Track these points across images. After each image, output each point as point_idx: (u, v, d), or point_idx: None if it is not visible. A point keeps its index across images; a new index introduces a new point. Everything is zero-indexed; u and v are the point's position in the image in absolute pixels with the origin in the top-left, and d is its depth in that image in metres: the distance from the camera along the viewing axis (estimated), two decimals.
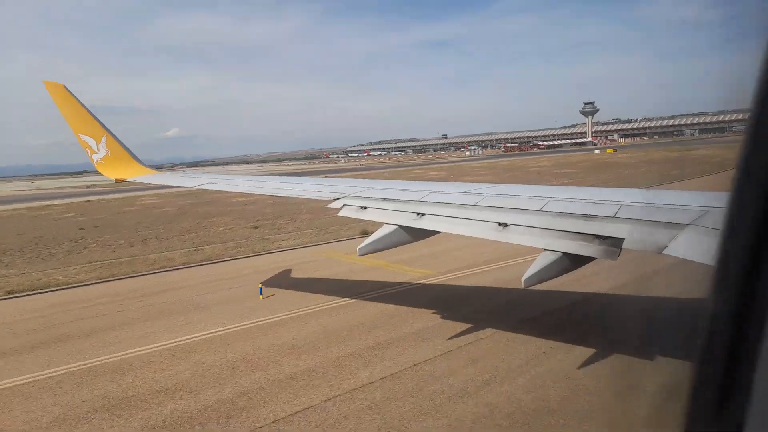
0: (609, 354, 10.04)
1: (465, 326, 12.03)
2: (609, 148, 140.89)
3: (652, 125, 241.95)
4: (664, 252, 6.68)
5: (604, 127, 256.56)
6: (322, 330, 12.65)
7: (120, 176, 16.15)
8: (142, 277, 20.10)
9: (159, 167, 25.56)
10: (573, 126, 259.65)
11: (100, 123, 16.18)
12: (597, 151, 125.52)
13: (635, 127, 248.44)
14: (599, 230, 7.73)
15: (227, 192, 16.65)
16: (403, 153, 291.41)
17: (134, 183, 16.73)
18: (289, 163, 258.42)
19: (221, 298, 16.04)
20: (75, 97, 15.75)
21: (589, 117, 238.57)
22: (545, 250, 8.23)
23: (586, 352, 10.11)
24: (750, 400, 1.26)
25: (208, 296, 16.41)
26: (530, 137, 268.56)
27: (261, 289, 15.94)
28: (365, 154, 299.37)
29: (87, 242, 30.33)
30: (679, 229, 6.81)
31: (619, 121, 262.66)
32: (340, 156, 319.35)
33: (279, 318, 13.78)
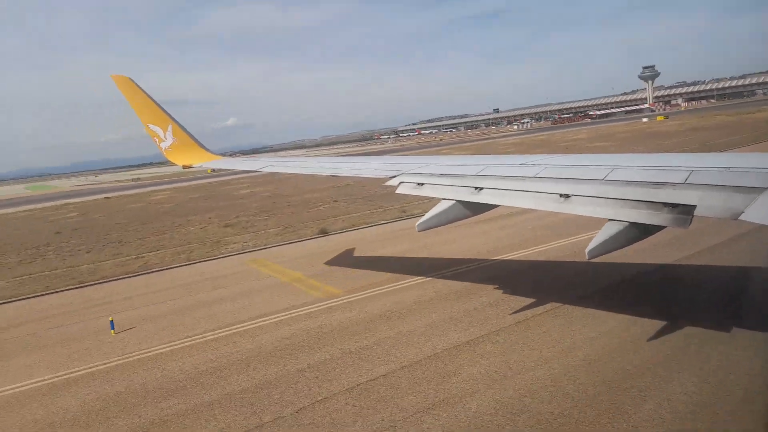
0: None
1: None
2: (660, 115, 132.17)
3: (720, 87, 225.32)
4: (741, 218, 6.39)
5: (668, 92, 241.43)
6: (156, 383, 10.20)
7: (187, 162, 16.95)
8: (38, 297, 18.61)
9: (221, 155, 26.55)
10: (634, 92, 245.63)
11: (166, 112, 16.98)
12: (645, 120, 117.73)
13: (701, 89, 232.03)
14: (669, 197, 7.44)
15: (282, 174, 17.02)
16: (454, 130, 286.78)
17: (200, 169, 17.51)
18: (342, 146, 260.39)
19: (68, 334, 14.04)
20: (141, 88, 16.57)
21: (649, 82, 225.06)
22: (610, 220, 8.03)
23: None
24: None
25: (62, 330, 14.47)
26: (585, 107, 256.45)
27: (112, 323, 13.73)
28: (416, 133, 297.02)
29: (49, 249, 29.51)
30: (757, 194, 6.48)
31: (684, 84, 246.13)
32: (391, 136, 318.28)
33: (123, 361, 11.64)
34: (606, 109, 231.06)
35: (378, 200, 33.44)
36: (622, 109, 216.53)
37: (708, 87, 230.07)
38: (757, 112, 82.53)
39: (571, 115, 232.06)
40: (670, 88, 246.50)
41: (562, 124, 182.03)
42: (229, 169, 18.73)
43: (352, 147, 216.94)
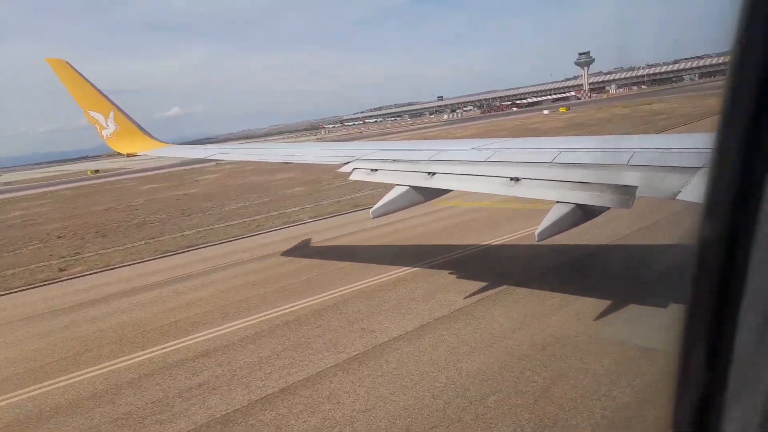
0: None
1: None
2: (563, 106, 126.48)
3: (651, 72, 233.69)
4: (678, 197, 6.69)
5: (604, 77, 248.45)
6: None
7: (131, 150, 16.27)
8: None
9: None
10: (576, 77, 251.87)
11: (106, 97, 16.20)
12: (546, 112, 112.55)
13: (635, 75, 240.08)
14: (612, 179, 7.72)
15: (230, 162, 16.61)
16: (398, 119, 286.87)
17: (145, 158, 16.85)
18: (288, 135, 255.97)
19: None
20: (78, 72, 15.73)
21: (585, 68, 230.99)
22: (557, 202, 8.26)
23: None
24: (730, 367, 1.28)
25: None
26: (525, 93, 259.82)
27: None
28: (361, 122, 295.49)
29: None
30: (692, 173, 6.79)
31: (622, 70, 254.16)
32: (336, 125, 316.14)
33: None
34: (540, 96, 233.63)
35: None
36: (550, 97, 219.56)
37: (641, 73, 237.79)
38: (661, 101, 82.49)
39: (508, 103, 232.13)
40: (608, 73, 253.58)
41: (488, 113, 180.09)
42: (176, 157, 18.12)
43: (294, 137, 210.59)
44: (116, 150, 16.46)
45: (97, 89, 15.96)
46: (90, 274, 17.56)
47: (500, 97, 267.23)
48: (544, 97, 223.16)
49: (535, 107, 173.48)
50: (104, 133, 16.17)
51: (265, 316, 11.38)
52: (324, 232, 19.34)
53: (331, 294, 12.17)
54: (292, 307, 11.70)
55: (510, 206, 18.59)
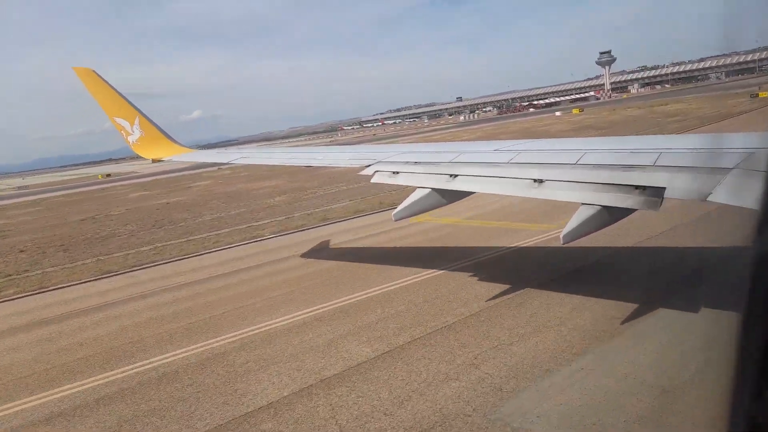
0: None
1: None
2: (575, 108, 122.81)
3: (676, 71, 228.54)
4: (708, 199, 6.54)
5: (626, 77, 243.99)
6: None
7: (156, 155, 16.56)
8: None
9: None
10: (599, 77, 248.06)
11: (132, 104, 16.50)
12: (558, 113, 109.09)
13: (659, 74, 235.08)
14: (639, 180, 7.58)
15: (236, 166, 16.73)
16: (417, 120, 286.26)
17: (169, 162, 17.12)
18: (308, 137, 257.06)
19: None
20: (104, 80, 16.05)
21: (606, 68, 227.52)
22: (583, 204, 8.14)
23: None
24: None
25: None
26: (545, 93, 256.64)
27: None
28: (380, 124, 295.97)
29: None
30: (724, 174, 6.63)
31: (645, 69, 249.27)
32: (355, 127, 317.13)
33: None
34: (559, 96, 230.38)
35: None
36: (569, 97, 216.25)
37: (665, 72, 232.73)
38: (679, 102, 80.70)
39: (519, 104, 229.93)
40: (631, 72, 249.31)
41: (505, 114, 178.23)
42: (200, 162, 18.34)
43: (311, 139, 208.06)
44: (141, 155, 16.77)
45: (123, 96, 16.28)
46: (15, 298, 17.01)
47: (519, 98, 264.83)
48: (563, 98, 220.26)
49: (554, 107, 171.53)
50: (130, 138, 16.48)
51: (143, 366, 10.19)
52: (273, 252, 18.52)
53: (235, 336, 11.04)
54: (175, 356, 10.48)
55: (479, 223, 18.19)
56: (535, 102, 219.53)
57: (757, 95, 66.30)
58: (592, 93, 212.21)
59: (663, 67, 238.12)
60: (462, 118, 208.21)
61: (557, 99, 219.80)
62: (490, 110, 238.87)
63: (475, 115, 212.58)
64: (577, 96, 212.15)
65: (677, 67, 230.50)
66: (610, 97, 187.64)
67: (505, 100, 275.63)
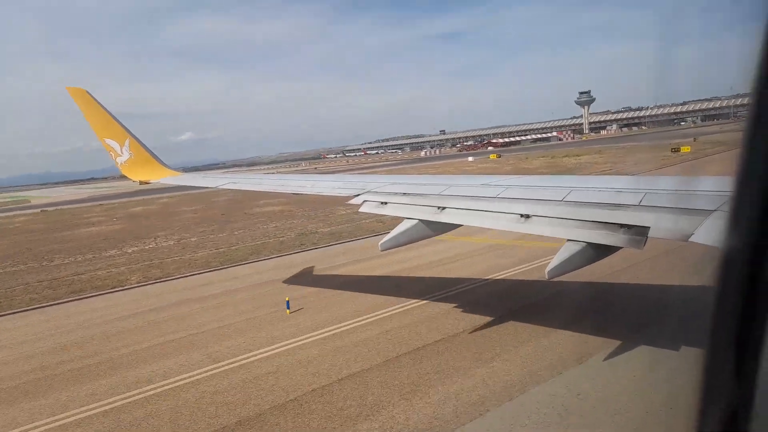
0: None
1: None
2: (493, 153, 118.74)
3: (654, 113, 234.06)
4: (690, 239, 6.66)
5: (603, 117, 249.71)
6: None
7: (144, 178, 16.47)
8: None
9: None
10: (578, 117, 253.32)
11: (123, 126, 16.50)
12: (471, 159, 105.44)
13: (636, 116, 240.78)
14: (624, 219, 7.70)
15: (244, 191, 16.61)
16: (399, 151, 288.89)
17: (157, 185, 17.03)
18: (290, 163, 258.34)
19: None
20: (97, 101, 16.08)
21: (585, 107, 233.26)
22: (568, 240, 8.23)
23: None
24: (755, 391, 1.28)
25: None
26: (521, 131, 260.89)
27: None
28: (362, 153, 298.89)
29: None
30: (705, 216, 6.77)
31: (630, 110, 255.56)
32: (338, 156, 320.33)
33: None
34: (525, 135, 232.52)
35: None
36: (529, 137, 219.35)
37: (645, 114, 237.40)
38: (587, 154, 76.17)
39: (474, 143, 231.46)
40: (616, 113, 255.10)
41: (464, 152, 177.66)
42: (187, 186, 18.28)
43: (286, 167, 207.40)
44: (129, 177, 16.67)
45: (115, 118, 16.28)
46: None
47: (495, 134, 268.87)
48: (524, 137, 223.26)
49: (510, 147, 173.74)
50: (119, 160, 16.41)
51: None
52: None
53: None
54: None
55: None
56: (493, 141, 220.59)
57: (679, 149, 59.82)
58: (554, 134, 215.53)
59: (646, 108, 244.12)
60: (422, 153, 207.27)
61: (518, 138, 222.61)
62: (458, 146, 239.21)
63: (437, 151, 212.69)
64: (539, 136, 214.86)
65: (659, 109, 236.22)
66: (572, 138, 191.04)
67: (485, 135, 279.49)
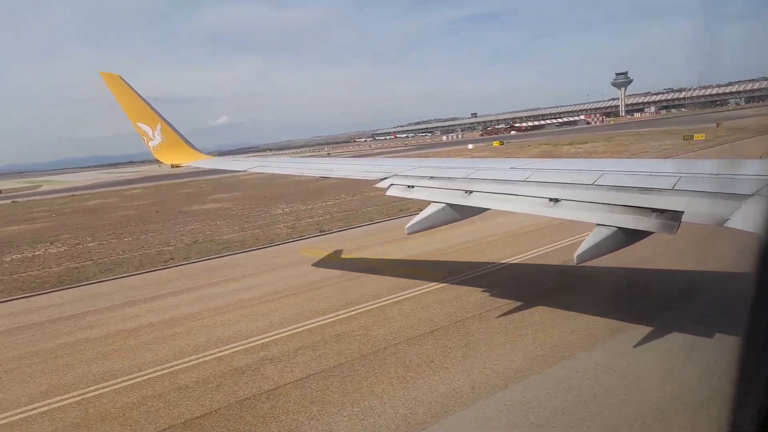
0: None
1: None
2: (496, 140, 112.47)
3: (697, 94, 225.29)
4: (726, 224, 6.46)
5: (640, 99, 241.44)
6: None
7: (175, 161, 16.84)
8: None
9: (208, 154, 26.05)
10: (616, 99, 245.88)
11: (155, 111, 16.84)
12: (470, 147, 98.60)
13: (676, 97, 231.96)
14: (656, 203, 7.50)
15: (269, 174, 16.73)
16: (429, 134, 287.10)
17: (189, 168, 17.38)
18: (319, 147, 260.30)
19: None
20: (130, 86, 16.42)
21: (622, 89, 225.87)
22: (598, 225, 8.07)
23: None
24: None
25: None
26: (554, 114, 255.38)
27: None
28: (392, 137, 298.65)
29: None
30: (742, 200, 6.55)
31: (671, 90, 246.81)
32: (368, 139, 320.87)
33: None
34: (558, 118, 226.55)
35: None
36: (554, 121, 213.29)
37: (688, 95, 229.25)
38: (597, 141, 71.60)
39: (494, 126, 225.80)
40: (657, 94, 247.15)
41: (489, 136, 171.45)
42: (217, 169, 18.59)
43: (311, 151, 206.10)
44: (161, 161, 17.06)
45: (147, 103, 16.62)
46: None
47: (527, 117, 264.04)
48: (552, 120, 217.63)
49: (536, 131, 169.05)
50: (151, 144, 16.79)
51: None
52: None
53: None
54: None
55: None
56: (516, 125, 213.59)
57: (692, 137, 56.21)
58: (582, 117, 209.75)
59: (687, 89, 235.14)
60: (444, 138, 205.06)
61: (543, 122, 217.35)
62: (489, 129, 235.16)
63: (457, 136, 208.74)
64: (565, 120, 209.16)
65: (702, 90, 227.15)
66: (602, 122, 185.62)
67: (516, 117, 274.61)
